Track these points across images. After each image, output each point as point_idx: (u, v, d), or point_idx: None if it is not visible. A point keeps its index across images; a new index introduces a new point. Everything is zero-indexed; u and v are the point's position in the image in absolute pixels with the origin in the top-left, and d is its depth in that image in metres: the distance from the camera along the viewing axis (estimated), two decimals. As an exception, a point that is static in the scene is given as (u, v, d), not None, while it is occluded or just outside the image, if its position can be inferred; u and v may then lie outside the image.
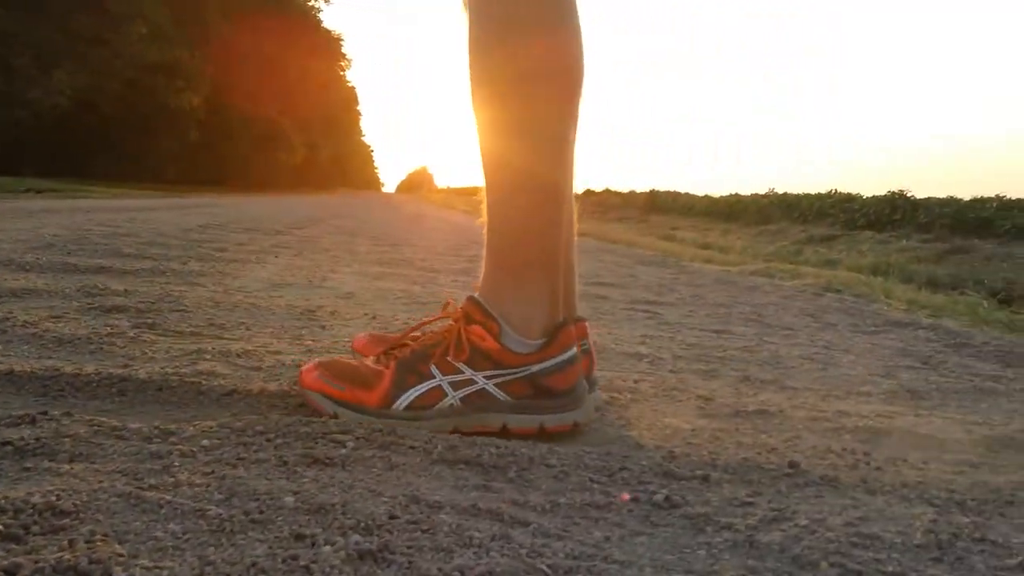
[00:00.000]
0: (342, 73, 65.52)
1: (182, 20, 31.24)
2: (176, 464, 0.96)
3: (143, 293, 2.30)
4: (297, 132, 45.32)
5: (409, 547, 0.78)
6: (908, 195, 14.86)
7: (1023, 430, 1.46)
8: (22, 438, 1.00)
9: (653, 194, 25.39)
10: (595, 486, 1.02)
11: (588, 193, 29.71)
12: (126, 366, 1.42)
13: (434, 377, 1.23)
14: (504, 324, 1.22)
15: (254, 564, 0.71)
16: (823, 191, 17.86)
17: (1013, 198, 13.39)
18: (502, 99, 1.23)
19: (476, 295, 1.26)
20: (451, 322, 1.26)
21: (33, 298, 2.09)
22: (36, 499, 0.80)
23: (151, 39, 28.51)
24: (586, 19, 1.25)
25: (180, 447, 1.01)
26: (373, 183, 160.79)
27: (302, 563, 0.72)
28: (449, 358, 1.23)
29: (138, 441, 1.03)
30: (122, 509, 0.81)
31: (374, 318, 2.26)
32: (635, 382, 1.67)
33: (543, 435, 1.21)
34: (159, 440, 1.04)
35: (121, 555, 0.72)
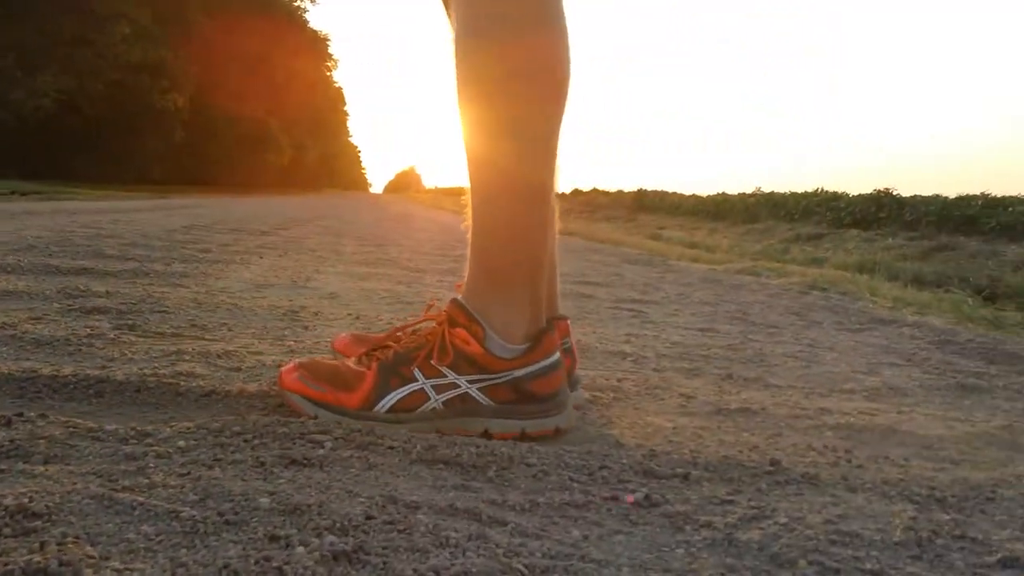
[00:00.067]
0: (329, 73, 65.43)
1: (166, 20, 31.10)
2: (151, 466, 0.95)
3: (125, 294, 2.29)
4: (284, 132, 45.22)
5: (384, 548, 0.77)
6: (894, 193, 14.92)
7: (1006, 426, 1.46)
8: (-4, 440, 0.99)
9: (641, 193, 25.40)
10: (575, 485, 1.02)
11: (576, 192, 29.72)
12: (104, 367, 1.41)
13: (416, 380, 1.22)
14: (488, 328, 1.22)
15: (226, 566, 0.70)
16: (810, 190, 17.91)
17: (998, 195, 13.45)
18: (488, 99, 1.22)
19: (460, 298, 1.25)
20: (434, 324, 1.26)
21: (13, 300, 2.07)
22: (8, 501, 0.79)
23: (135, 39, 28.38)
24: (572, 14, 1.25)
25: (156, 448, 1.00)
26: (361, 184, 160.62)
27: (275, 564, 0.71)
28: (432, 361, 1.22)
29: (114, 443, 1.02)
30: (95, 511, 0.81)
31: (358, 318, 2.25)
32: (618, 381, 1.67)
33: (525, 439, 1.21)
34: (135, 441, 1.03)
35: (92, 557, 0.71)
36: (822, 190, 17.52)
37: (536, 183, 1.24)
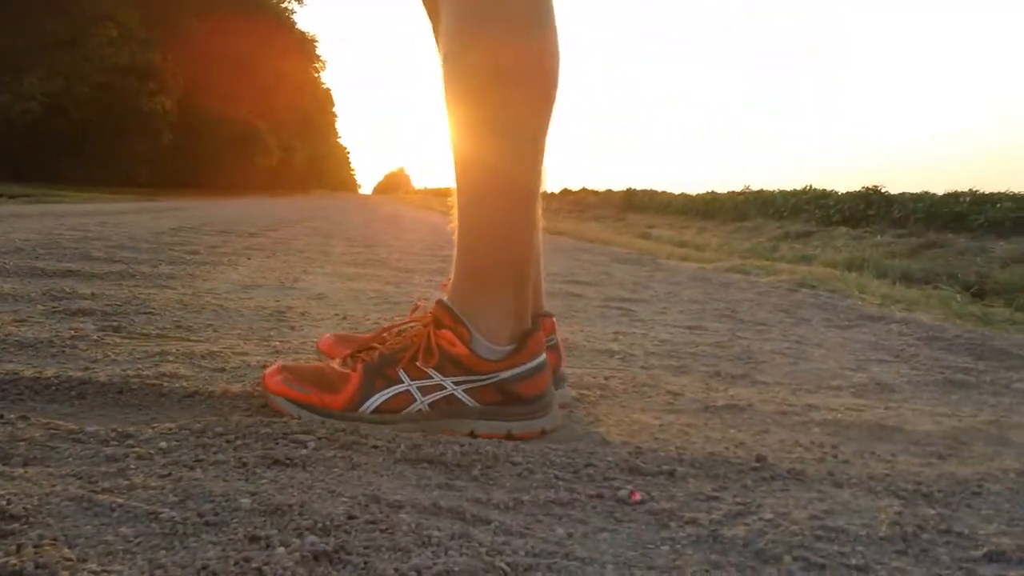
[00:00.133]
0: (317, 75, 65.27)
1: (152, 22, 30.97)
2: (132, 467, 0.94)
3: (110, 296, 2.27)
4: (272, 134, 45.09)
5: (366, 547, 0.76)
6: (882, 191, 14.96)
7: (992, 421, 1.46)
8: (-25, 443, 0.98)
9: (630, 193, 25.43)
10: (560, 483, 1.01)
11: (565, 192, 29.73)
12: (87, 369, 1.40)
13: (402, 382, 1.21)
14: (474, 330, 1.21)
15: (205, 567, 0.70)
16: (798, 187, 17.95)
17: (986, 192, 13.50)
18: (480, 99, 1.20)
19: (445, 299, 1.24)
20: (420, 326, 1.25)
21: (-4, 302, 2.06)
22: (-15, 504, 0.78)
23: (122, 42, 28.27)
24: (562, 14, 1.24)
25: (137, 450, 1.00)
26: (350, 185, 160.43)
27: (255, 565, 0.70)
28: (418, 363, 1.22)
29: (95, 444, 1.01)
30: (73, 513, 0.80)
31: (345, 318, 2.24)
32: (605, 379, 1.66)
33: (511, 440, 1.20)
34: (116, 443, 1.02)
35: (69, 559, 0.70)
36: (811, 188, 17.57)
37: (526, 183, 1.23)
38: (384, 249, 5.27)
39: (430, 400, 1.21)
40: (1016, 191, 12.96)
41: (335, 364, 1.27)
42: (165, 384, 1.32)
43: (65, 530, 0.76)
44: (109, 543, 0.74)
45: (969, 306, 3.43)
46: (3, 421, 1.07)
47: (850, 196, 15.37)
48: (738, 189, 20.47)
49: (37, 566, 0.67)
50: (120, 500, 0.83)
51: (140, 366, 1.45)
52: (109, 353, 1.55)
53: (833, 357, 2.10)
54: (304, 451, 1.03)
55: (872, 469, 1.15)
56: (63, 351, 1.54)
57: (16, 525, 0.76)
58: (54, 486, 0.85)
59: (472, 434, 1.20)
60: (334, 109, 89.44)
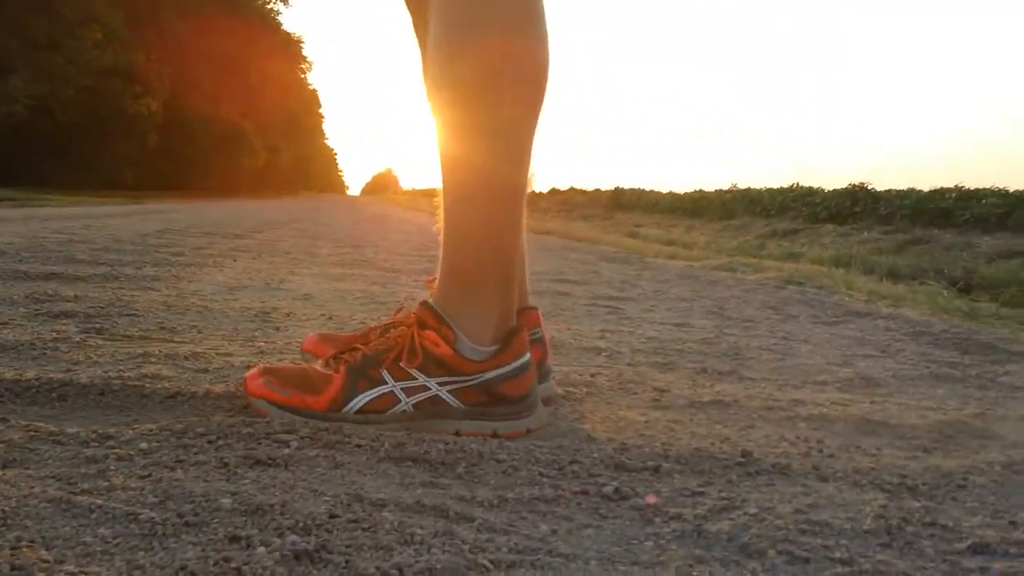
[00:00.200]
0: (303, 76, 65.08)
1: (138, 23, 30.80)
2: (112, 468, 0.93)
3: (93, 298, 2.26)
4: (258, 135, 44.92)
5: (348, 546, 0.76)
6: (869, 187, 15.02)
7: (978, 414, 1.47)
8: (-48, 446, 0.96)
9: (618, 192, 25.44)
10: (544, 480, 1.01)
11: (553, 192, 29.71)
12: (68, 371, 1.39)
13: (386, 383, 1.20)
14: (458, 330, 1.20)
15: (184, 567, 0.69)
16: (785, 185, 18.00)
17: (972, 188, 13.56)
18: (467, 104, 1.19)
19: (429, 300, 1.23)
20: (403, 327, 1.24)
21: (-22, 305, 2.04)
22: (-39, 507, 0.77)
23: (106, 43, 28.11)
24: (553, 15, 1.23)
25: (117, 451, 0.99)
26: (337, 186, 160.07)
27: (234, 565, 0.69)
28: (402, 364, 1.21)
29: (74, 446, 1.00)
30: (52, 514, 0.79)
31: (331, 319, 2.23)
32: (592, 376, 1.66)
33: (496, 438, 1.19)
34: (96, 444, 1.01)
35: (46, 561, 0.69)
36: (798, 185, 17.61)
37: (513, 185, 1.23)
38: (371, 249, 5.26)
39: (414, 401, 1.20)
40: (1001, 187, 13.03)
41: (318, 365, 1.26)
42: (147, 385, 1.31)
43: (43, 532, 0.75)
44: (87, 544, 0.73)
45: (955, 301, 3.43)
46: (-18, 424, 1.06)
47: (837, 193, 15.42)
48: (725, 187, 20.52)
49: (13, 568, 0.67)
50: (99, 501, 0.82)
51: (122, 368, 1.44)
52: (91, 355, 1.54)
53: (820, 353, 2.10)
54: (286, 451, 1.03)
55: (857, 463, 1.15)
56: (44, 353, 1.53)
57: (-7, 527, 0.75)
58: (32, 488, 0.85)
59: (457, 435, 1.19)
60: (321, 110, 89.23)
